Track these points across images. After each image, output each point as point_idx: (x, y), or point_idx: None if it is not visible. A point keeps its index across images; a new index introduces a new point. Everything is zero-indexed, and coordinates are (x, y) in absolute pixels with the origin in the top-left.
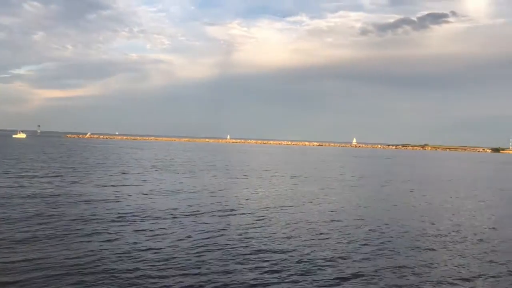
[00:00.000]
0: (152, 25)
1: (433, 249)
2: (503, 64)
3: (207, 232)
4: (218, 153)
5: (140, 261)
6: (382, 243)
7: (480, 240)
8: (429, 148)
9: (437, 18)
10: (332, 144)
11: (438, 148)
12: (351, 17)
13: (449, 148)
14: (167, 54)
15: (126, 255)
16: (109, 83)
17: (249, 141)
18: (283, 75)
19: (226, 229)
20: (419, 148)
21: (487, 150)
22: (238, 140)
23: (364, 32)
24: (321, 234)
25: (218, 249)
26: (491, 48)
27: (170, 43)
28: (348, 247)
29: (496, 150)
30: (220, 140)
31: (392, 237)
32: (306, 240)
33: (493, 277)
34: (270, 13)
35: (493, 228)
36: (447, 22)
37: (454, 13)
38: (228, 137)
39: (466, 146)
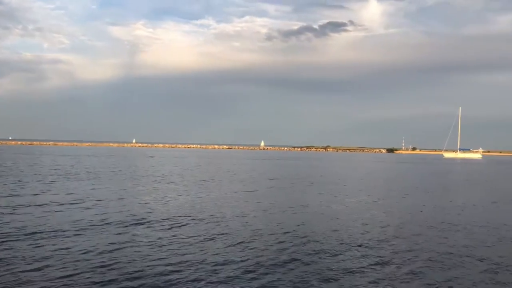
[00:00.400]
0: (50, 23)
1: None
2: (396, 71)
3: (114, 244)
4: (124, 158)
5: (42, 280)
6: (284, 249)
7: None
8: (331, 149)
9: (337, 26)
10: (241, 147)
11: (340, 149)
12: (257, 23)
13: (349, 149)
14: (67, 54)
15: (20, 276)
16: (1, 84)
17: (156, 145)
18: (191, 78)
19: (132, 241)
20: (322, 149)
21: (383, 151)
22: (145, 144)
23: (269, 37)
24: (235, 242)
25: (125, 263)
26: (385, 56)
27: (69, 43)
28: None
29: (391, 150)
30: (126, 145)
31: (296, 243)
32: (219, 248)
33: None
34: (176, 15)
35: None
36: (346, 30)
37: (352, 22)
38: (134, 141)
39: (364, 147)
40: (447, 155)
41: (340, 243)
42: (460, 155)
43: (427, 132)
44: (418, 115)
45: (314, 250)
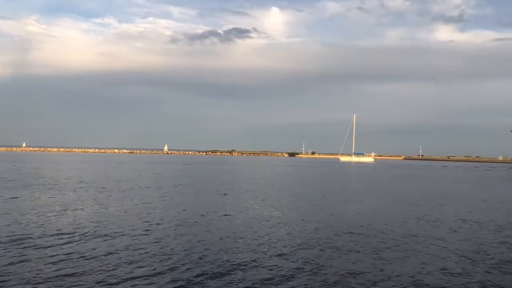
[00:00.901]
0: None
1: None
2: (297, 79)
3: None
4: (13, 163)
5: None
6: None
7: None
8: (236, 153)
9: (241, 33)
10: (144, 151)
11: (244, 153)
12: (161, 24)
13: (253, 153)
14: None
15: None
16: None
17: (50, 149)
18: (89, 78)
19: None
20: (227, 153)
21: (285, 155)
22: (37, 149)
23: (174, 40)
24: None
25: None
26: (287, 63)
27: None
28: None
29: (292, 154)
30: (15, 149)
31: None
32: (124, 257)
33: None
34: (73, 12)
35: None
36: (250, 37)
37: (255, 30)
38: (24, 145)
39: (267, 151)
40: (343, 158)
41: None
42: (354, 158)
43: (325, 137)
44: (317, 121)
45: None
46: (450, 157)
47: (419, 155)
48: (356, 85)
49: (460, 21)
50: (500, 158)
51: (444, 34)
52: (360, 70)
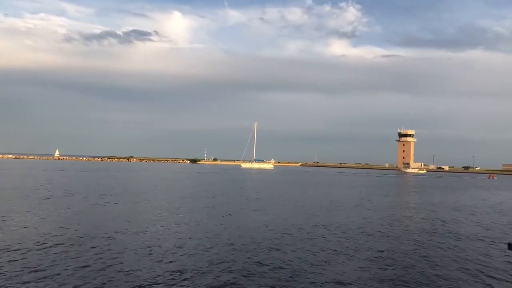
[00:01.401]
0: None
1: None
2: (200, 85)
3: None
4: None
5: None
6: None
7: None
8: (135, 159)
9: (141, 35)
10: (32, 157)
11: (143, 159)
12: (53, 22)
13: (153, 160)
14: None
15: None
16: None
17: None
18: None
19: None
20: (125, 159)
21: (187, 161)
22: None
23: (68, 39)
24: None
25: None
26: (190, 69)
27: None
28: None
29: (194, 161)
30: None
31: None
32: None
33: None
34: None
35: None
36: (151, 40)
37: (157, 33)
38: None
39: (168, 158)
40: (244, 165)
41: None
42: (255, 165)
43: (227, 144)
44: (219, 127)
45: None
46: (343, 164)
47: (314, 162)
48: (258, 93)
49: (352, 36)
50: (387, 165)
51: (338, 48)
52: (262, 79)
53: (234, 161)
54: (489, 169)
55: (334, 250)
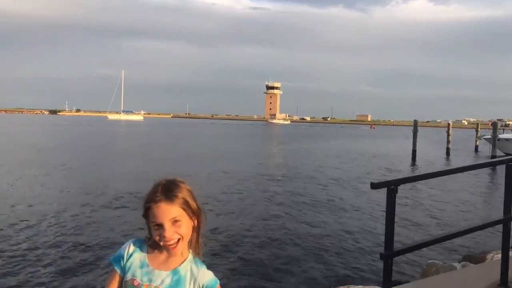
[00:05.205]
0: None
1: None
2: (59, 28)
3: None
4: None
5: None
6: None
7: None
8: None
9: None
10: None
11: None
12: None
13: (5, 111)
14: None
15: None
16: None
17: None
18: None
19: None
20: None
21: (45, 112)
22: None
23: None
24: None
25: None
26: (45, 10)
27: None
28: None
29: (54, 112)
30: None
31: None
32: None
33: None
34: None
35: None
36: None
37: None
38: None
39: (23, 108)
40: (111, 117)
41: None
42: (123, 117)
43: (92, 94)
44: (82, 76)
45: None
46: (214, 116)
47: (186, 114)
48: (124, 40)
49: None
50: (255, 116)
51: None
52: (130, 24)
53: (99, 112)
54: (345, 119)
55: None
